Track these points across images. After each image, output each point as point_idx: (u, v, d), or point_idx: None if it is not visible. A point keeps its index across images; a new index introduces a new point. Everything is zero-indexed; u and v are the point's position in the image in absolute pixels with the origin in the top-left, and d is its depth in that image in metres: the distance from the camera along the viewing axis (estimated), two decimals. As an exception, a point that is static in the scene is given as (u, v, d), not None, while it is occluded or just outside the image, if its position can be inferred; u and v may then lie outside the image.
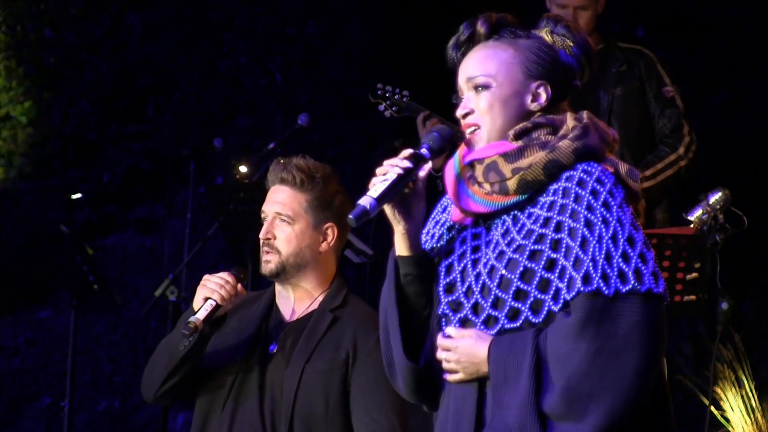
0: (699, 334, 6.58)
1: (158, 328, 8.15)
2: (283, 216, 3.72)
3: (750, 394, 5.65)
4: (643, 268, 2.57)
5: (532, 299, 2.61)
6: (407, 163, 2.71)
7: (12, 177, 9.32)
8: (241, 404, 3.67)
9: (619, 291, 2.55)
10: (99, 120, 9.32)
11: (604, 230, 2.59)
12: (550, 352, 2.57)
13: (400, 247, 2.77)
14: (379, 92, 5.23)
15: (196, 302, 3.64)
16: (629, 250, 2.58)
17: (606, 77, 5.06)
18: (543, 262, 2.61)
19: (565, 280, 2.58)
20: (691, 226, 4.57)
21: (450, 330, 2.69)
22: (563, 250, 2.60)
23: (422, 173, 2.73)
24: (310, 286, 3.76)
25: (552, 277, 2.60)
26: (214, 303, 3.62)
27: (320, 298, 3.76)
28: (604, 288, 2.55)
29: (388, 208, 2.72)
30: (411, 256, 2.76)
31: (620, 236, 2.59)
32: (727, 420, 5.64)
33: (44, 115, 9.38)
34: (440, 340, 2.70)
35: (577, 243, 2.59)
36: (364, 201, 2.67)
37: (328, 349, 3.67)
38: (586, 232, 2.59)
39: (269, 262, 3.72)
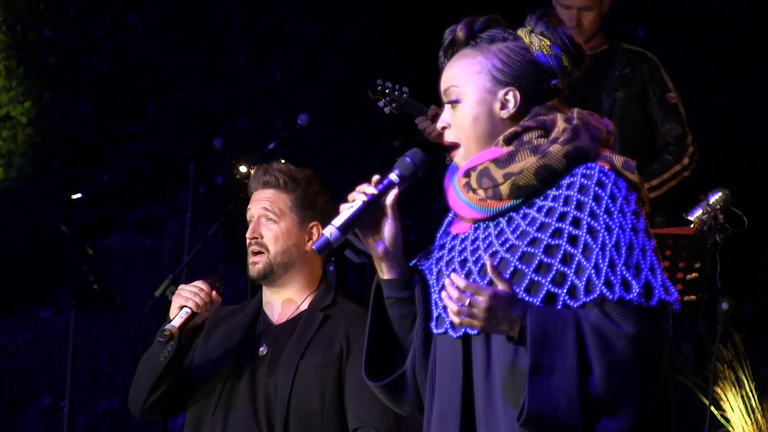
0: (699, 334, 6.58)
1: (158, 328, 8.13)
2: (270, 214, 3.77)
3: (750, 394, 5.65)
4: (630, 278, 2.57)
5: None
6: (373, 190, 2.73)
7: (12, 177, 9.32)
8: (233, 407, 3.68)
9: (623, 298, 2.55)
10: (99, 120, 9.32)
11: (607, 238, 2.58)
12: (596, 330, 2.54)
13: (380, 271, 2.79)
14: (378, 88, 5.23)
15: (172, 311, 3.67)
16: (629, 259, 2.57)
17: (608, 79, 5.05)
18: (533, 265, 2.60)
19: (565, 288, 2.57)
20: (691, 226, 4.58)
21: (457, 279, 2.58)
22: (559, 256, 2.59)
23: (389, 200, 2.75)
24: (297, 288, 3.80)
25: (543, 281, 2.59)
26: (189, 311, 3.65)
27: (308, 300, 3.80)
28: (608, 294, 2.55)
29: (362, 235, 2.75)
30: (391, 279, 2.78)
31: (622, 244, 2.58)
32: (727, 420, 5.63)
33: (44, 115, 9.37)
34: (462, 281, 2.57)
35: (579, 250, 2.58)
36: (327, 231, 2.70)
37: (321, 346, 3.70)
38: (589, 240, 2.58)
39: (257, 263, 3.77)
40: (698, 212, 4.61)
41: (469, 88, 2.72)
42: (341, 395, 3.67)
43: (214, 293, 3.70)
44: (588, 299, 2.56)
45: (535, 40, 2.73)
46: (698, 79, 7.24)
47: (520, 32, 2.75)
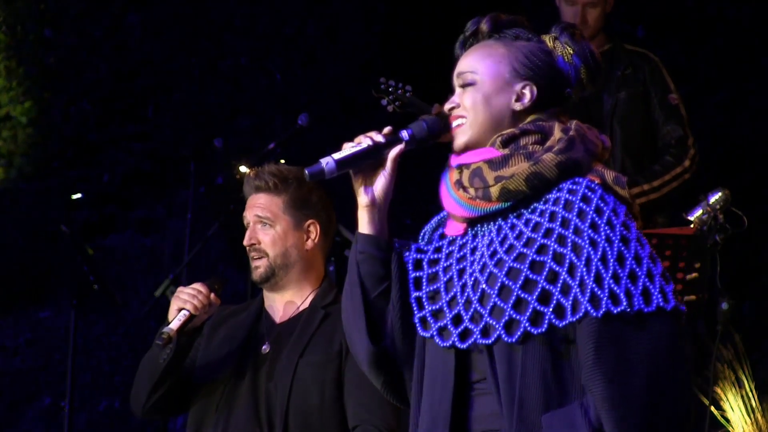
0: (699, 334, 6.58)
1: (158, 328, 8.12)
2: (264, 219, 3.79)
3: (750, 394, 5.65)
4: (632, 288, 2.55)
5: (506, 318, 2.59)
6: (380, 138, 2.73)
7: (12, 177, 9.32)
8: (235, 405, 3.69)
9: (610, 312, 2.53)
10: (99, 120, 9.32)
11: (592, 253, 2.56)
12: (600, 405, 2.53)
13: (361, 223, 2.78)
14: (382, 86, 5.21)
15: (171, 313, 3.68)
16: (619, 270, 2.56)
17: (610, 80, 5.05)
18: (520, 282, 2.59)
19: (551, 307, 2.55)
20: (691, 226, 4.58)
21: None
22: (545, 273, 2.57)
23: (392, 153, 2.75)
24: (299, 288, 3.81)
25: (530, 299, 2.57)
26: (187, 313, 3.67)
27: (310, 298, 3.80)
28: (592, 311, 2.53)
29: (353, 179, 2.75)
30: (369, 235, 2.76)
31: (609, 257, 2.56)
32: (727, 420, 5.63)
33: (44, 115, 9.37)
34: None
35: (564, 269, 2.56)
36: (324, 160, 2.69)
37: (321, 343, 3.71)
38: (574, 258, 2.57)
39: (258, 267, 3.78)
40: (698, 212, 4.61)
41: (487, 75, 2.73)
42: (341, 392, 3.68)
43: (212, 295, 3.71)
44: (574, 318, 2.54)
45: (558, 46, 2.76)
46: (698, 79, 7.24)
47: (544, 37, 2.78)
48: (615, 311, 2.52)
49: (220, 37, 9.08)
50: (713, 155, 6.83)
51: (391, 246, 2.78)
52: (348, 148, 2.72)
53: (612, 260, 2.55)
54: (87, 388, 8.07)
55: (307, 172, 2.69)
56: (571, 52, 2.75)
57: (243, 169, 5.72)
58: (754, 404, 5.64)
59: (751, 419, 5.62)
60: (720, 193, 4.61)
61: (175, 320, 3.66)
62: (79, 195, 8.17)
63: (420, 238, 2.85)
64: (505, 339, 2.58)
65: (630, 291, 2.54)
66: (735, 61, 7.25)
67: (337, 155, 2.70)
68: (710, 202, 4.60)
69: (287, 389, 3.65)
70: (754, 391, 5.66)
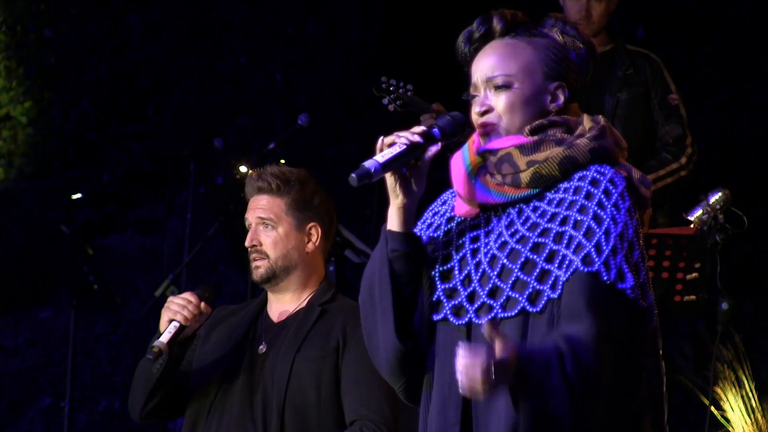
0: (699, 334, 6.58)
1: (158, 329, 8.11)
2: (266, 221, 3.79)
3: (750, 394, 5.65)
4: (627, 271, 2.58)
5: (530, 290, 2.60)
6: (418, 138, 2.69)
7: (12, 177, 9.33)
8: (229, 404, 3.70)
9: (615, 285, 2.55)
10: (99, 120, 9.33)
11: (612, 227, 2.59)
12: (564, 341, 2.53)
13: (393, 222, 2.74)
14: (383, 86, 5.20)
15: (162, 325, 3.68)
16: (630, 256, 2.59)
17: (612, 80, 5.04)
18: (545, 254, 2.60)
19: (564, 266, 2.57)
20: (691, 226, 4.58)
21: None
22: (566, 240, 2.59)
23: (429, 153, 2.72)
24: (299, 289, 3.81)
25: (552, 268, 2.59)
26: (178, 324, 3.67)
27: (308, 299, 3.80)
28: (604, 273, 2.55)
29: (390, 179, 2.70)
30: (402, 232, 2.74)
31: (626, 238, 2.59)
32: (727, 420, 5.64)
33: (44, 115, 9.38)
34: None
35: (581, 233, 2.58)
36: (369, 163, 2.64)
37: (318, 339, 3.71)
38: (593, 224, 2.59)
39: (259, 268, 3.78)
40: (698, 212, 4.61)
41: (522, 75, 2.72)
42: (338, 388, 3.68)
43: (203, 304, 3.70)
44: (585, 270, 2.55)
45: (568, 40, 2.76)
46: (698, 79, 7.25)
47: (550, 31, 2.77)
48: (619, 287, 2.55)
49: (220, 37, 9.08)
50: (713, 155, 6.83)
51: (420, 243, 2.77)
52: (387, 149, 2.69)
53: (626, 243, 2.59)
54: (87, 388, 8.07)
55: (354, 176, 2.63)
56: (581, 46, 2.76)
57: (243, 169, 5.72)
58: (754, 404, 5.65)
59: (751, 419, 5.62)
60: (720, 193, 4.61)
61: (166, 332, 3.66)
62: (79, 195, 8.16)
63: (421, 222, 2.85)
64: (530, 309, 2.59)
65: (636, 277, 2.58)
66: (735, 61, 7.26)
67: (380, 157, 2.66)
68: (710, 202, 4.60)
69: (284, 385, 3.65)
70: (754, 391, 5.66)
